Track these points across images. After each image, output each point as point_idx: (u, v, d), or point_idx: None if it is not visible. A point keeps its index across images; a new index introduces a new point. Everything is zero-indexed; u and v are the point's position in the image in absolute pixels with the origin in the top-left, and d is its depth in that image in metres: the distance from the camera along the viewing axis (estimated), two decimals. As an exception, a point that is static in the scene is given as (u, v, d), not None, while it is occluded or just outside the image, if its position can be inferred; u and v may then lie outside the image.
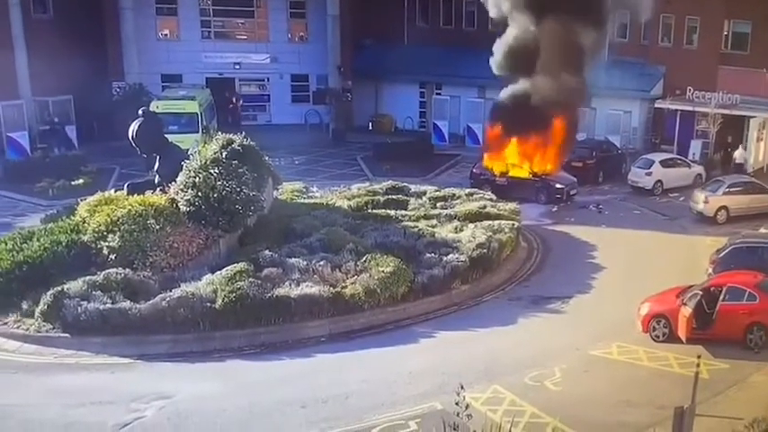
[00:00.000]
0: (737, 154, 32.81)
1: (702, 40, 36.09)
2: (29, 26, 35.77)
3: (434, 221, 23.69)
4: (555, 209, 28.84)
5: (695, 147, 34.60)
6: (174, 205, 19.97)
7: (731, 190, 27.13)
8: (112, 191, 22.98)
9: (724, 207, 26.77)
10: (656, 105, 36.52)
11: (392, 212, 24.38)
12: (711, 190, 27.43)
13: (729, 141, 33.04)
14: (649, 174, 30.85)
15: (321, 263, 19.31)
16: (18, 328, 17.47)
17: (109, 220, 19.11)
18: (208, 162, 20.76)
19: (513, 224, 23.69)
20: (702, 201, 27.12)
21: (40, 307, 17.35)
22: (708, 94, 33.38)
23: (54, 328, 17.25)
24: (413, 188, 27.49)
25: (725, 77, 34.38)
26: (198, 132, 31.43)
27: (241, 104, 42.42)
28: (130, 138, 21.65)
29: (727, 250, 20.72)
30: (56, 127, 35.01)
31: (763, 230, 23.45)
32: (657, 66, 37.37)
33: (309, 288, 18.13)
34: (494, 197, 26.92)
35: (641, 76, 37.37)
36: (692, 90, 34.17)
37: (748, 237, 21.82)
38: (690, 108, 34.46)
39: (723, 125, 32.87)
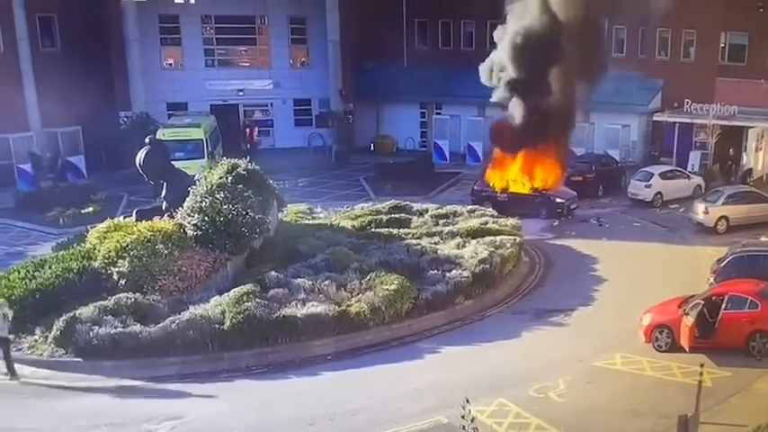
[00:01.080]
0: (744, 159, 33.01)
1: (699, 52, 36.51)
2: (37, 59, 36.50)
3: (437, 238, 23.96)
4: (556, 223, 29.09)
5: (694, 158, 34.85)
6: (182, 230, 20.31)
7: (730, 200, 27.33)
8: (121, 218, 23.34)
9: (724, 217, 26.97)
10: (654, 118, 36.83)
11: (395, 231, 24.68)
12: (711, 200, 27.64)
13: (731, 154, 33.26)
14: (649, 186, 31.08)
15: (326, 282, 19.60)
16: (32, 353, 17.80)
17: (118, 246, 19.44)
18: (214, 187, 21.16)
19: (515, 239, 23.94)
20: (702, 211, 27.32)
21: (52, 332, 17.69)
22: (706, 106, 33.70)
23: (66, 352, 17.57)
24: (415, 206, 27.79)
25: (722, 89, 34.71)
26: (203, 158, 31.92)
27: (257, 131, 42.73)
28: (138, 165, 22.09)
29: (727, 259, 20.86)
30: (54, 159, 35.41)
31: (763, 239, 23.59)
32: (655, 79, 37.78)
33: (315, 307, 18.40)
34: (495, 213, 27.13)
35: (639, 89, 37.77)
36: (689, 102, 34.49)
37: (749, 246, 21.96)
38: (688, 120, 34.75)
39: (721, 136, 33.13)
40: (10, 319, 17.35)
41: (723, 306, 17.69)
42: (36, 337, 18.14)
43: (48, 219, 29.73)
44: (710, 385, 15.31)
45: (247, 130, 42.28)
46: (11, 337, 17.46)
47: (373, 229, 25.22)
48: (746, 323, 17.31)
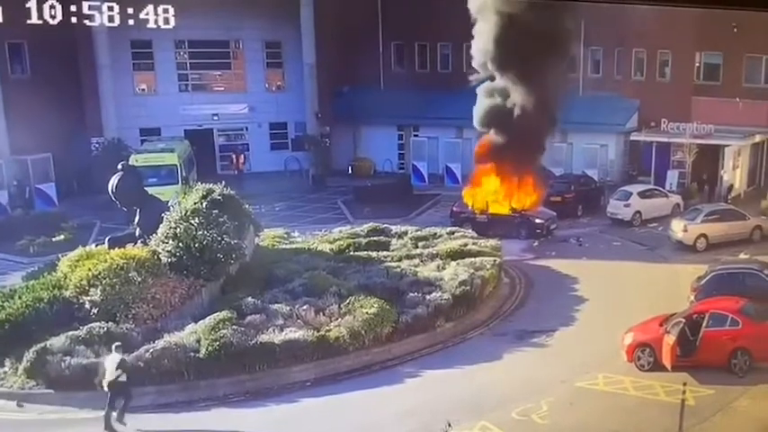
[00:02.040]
0: (726, 176, 33.30)
1: (675, 72, 36.91)
2: (6, 87, 35.85)
3: (416, 261, 23.76)
4: (536, 244, 29.05)
5: (672, 177, 35.09)
6: (156, 257, 19.94)
7: (709, 218, 27.49)
8: (93, 245, 22.90)
9: (703, 235, 27.07)
10: (631, 138, 37.08)
11: (374, 254, 24.45)
12: (690, 218, 27.77)
13: (704, 177, 33.55)
14: (628, 205, 31.18)
15: (304, 307, 19.30)
16: (2, 385, 17.26)
17: (90, 274, 19.01)
18: (188, 212, 20.85)
19: (495, 260, 23.81)
20: (681, 230, 27.42)
21: (23, 364, 17.18)
22: (682, 125, 33.98)
23: (38, 384, 17.07)
24: (394, 229, 27.60)
25: (699, 108, 35.05)
26: (178, 184, 31.51)
27: (243, 157, 42.10)
28: (110, 192, 21.68)
29: (708, 277, 20.92)
30: (19, 187, 34.79)
31: (742, 256, 23.74)
32: (632, 99, 38.13)
33: (293, 333, 18.09)
34: (475, 234, 27.08)
35: (616, 109, 38.03)
36: (666, 122, 34.79)
37: (728, 263, 22.12)
38: (665, 139, 35.03)
39: (699, 155, 33.41)
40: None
41: (704, 324, 17.70)
42: (6, 368, 17.60)
43: (17, 247, 29.03)
44: (693, 404, 15.35)
45: (234, 155, 41.60)
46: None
47: (352, 253, 24.96)
48: (728, 341, 17.32)
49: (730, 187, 33.42)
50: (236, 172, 40.18)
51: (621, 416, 15.53)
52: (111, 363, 15.81)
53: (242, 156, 41.40)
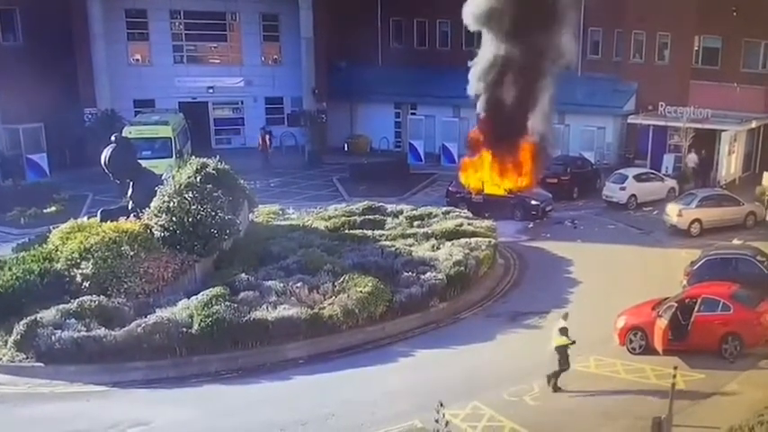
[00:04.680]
0: (689, 158, 33.31)
1: (674, 55, 36.74)
2: (-2, 54, 35.53)
3: (411, 240, 23.70)
4: (531, 225, 29.01)
5: (668, 161, 35.06)
6: (149, 231, 19.84)
7: (704, 203, 27.44)
8: (85, 218, 22.82)
9: (697, 220, 27.06)
10: (628, 121, 36.99)
11: (369, 232, 24.39)
12: (685, 203, 27.74)
13: (700, 156, 33.51)
14: (623, 188, 31.15)
15: (298, 285, 19.25)
16: (-10, 358, 17.19)
17: (82, 247, 18.92)
18: (182, 186, 20.68)
19: (490, 241, 23.77)
20: (676, 214, 27.41)
21: (12, 337, 17.12)
22: (680, 109, 33.86)
23: (27, 357, 17.01)
24: (389, 208, 27.53)
25: (696, 92, 34.96)
26: (172, 157, 31.34)
27: (269, 136, 41.00)
28: (103, 164, 21.53)
29: (701, 262, 20.97)
30: (8, 156, 34.39)
31: (735, 242, 23.74)
32: (630, 82, 37.94)
33: (287, 310, 18.06)
34: (470, 215, 27.00)
35: (614, 92, 37.91)
36: (664, 105, 34.65)
37: (721, 248, 22.13)
38: (662, 123, 34.93)
39: (695, 139, 33.34)
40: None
41: (696, 308, 17.74)
42: (-5, 340, 17.52)
43: (8, 218, 28.91)
44: (684, 387, 15.40)
45: (261, 136, 40.45)
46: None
47: (347, 231, 24.89)
48: (719, 325, 17.36)
49: (695, 165, 33.16)
50: (263, 151, 39.73)
51: (612, 398, 15.56)
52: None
53: (267, 135, 40.85)
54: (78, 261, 18.78)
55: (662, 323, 17.30)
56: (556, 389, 15.94)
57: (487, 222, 25.76)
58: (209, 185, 21.11)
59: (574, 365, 16.91)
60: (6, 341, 17.29)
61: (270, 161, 39.30)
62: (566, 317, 16.45)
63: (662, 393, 14.47)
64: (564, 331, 16.08)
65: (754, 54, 34.87)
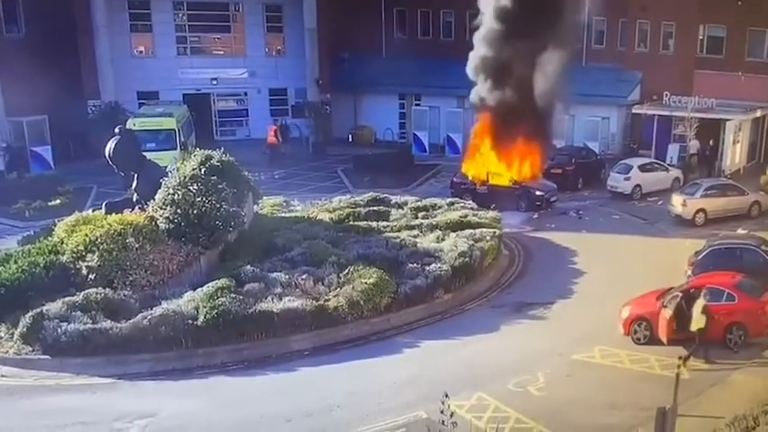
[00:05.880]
0: (691, 144, 33.21)
1: (678, 45, 36.59)
2: (0, 46, 35.38)
3: (416, 231, 23.68)
4: (535, 216, 28.98)
5: (673, 151, 34.89)
6: (154, 223, 19.85)
7: (709, 193, 27.37)
8: (90, 210, 22.81)
9: (702, 209, 27.00)
10: (633, 111, 36.82)
11: (374, 224, 24.38)
12: (689, 193, 27.67)
13: (710, 144, 33.41)
14: (628, 179, 31.08)
15: (303, 276, 19.28)
16: (-3, 351, 17.27)
17: (87, 239, 18.95)
18: (187, 179, 20.67)
19: (495, 232, 23.75)
20: (681, 204, 27.35)
21: (18, 329, 17.17)
22: (684, 99, 33.70)
23: (34, 350, 17.07)
24: (394, 199, 27.50)
25: (701, 81, 34.83)
26: (176, 149, 31.34)
27: (285, 129, 41.03)
28: (107, 156, 21.53)
29: (705, 252, 20.90)
30: (9, 148, 34.38)
31: (740, 231, 23.69)
32: (634, 71, 37.81)
33: (292, 302, 18.09)
34: (475, 206, 26.99)
35: (618, 82, 37.78)
36: (668, 95, 34.50)
37: (726, 238, 22.06)
38: (667, 113, 34.78)
39: (700, 129, 33.21)
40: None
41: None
42: (1, 334, 17.63)
43: (13, 211, 28.95)
44: (688, 377, 15.41)
45: (276, 129, 39.97)
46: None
47: (351, 222, 24.89)
48: (724, 315, 17.30)
49: (697, 152, 33.05)
50: (272, 145, 39.48)
51: (617, 389, 15.55)
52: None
53: (281, 128, 40.62)
54: (84, 253, 18.82)
55: (667, 313, 17.28)
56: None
57: (492, 213, 25.74)
58: (214, 177, 21.10)
59: (577, 356, 17.02)
60: (13, 334, 17.33)
61: (283, 154, 38.76)
62: (705, 296, 16.92)
63: (667, 383, 14.39)
64: (705, 310, 16.61)
65: (758, 43, 34.71)
